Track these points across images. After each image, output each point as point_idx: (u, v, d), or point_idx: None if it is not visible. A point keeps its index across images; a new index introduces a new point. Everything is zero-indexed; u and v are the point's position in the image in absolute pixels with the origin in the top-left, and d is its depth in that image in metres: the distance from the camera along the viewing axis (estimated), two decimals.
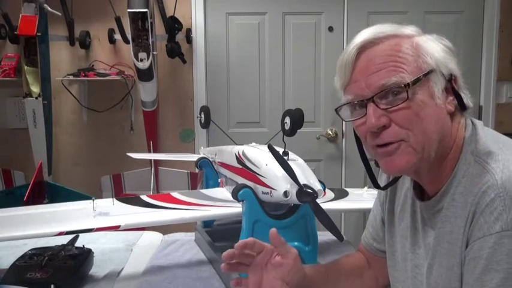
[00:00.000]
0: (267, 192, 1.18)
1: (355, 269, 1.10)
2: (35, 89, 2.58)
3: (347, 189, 1.69)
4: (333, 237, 1.19)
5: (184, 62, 2.94)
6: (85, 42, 2.96)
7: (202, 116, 1.82)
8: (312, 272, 1.00)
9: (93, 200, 1.31)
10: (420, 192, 0.91)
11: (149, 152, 2.94)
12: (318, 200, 1.13)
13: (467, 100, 0.84)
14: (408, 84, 0.77)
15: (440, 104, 0.80)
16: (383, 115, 0.79)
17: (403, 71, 0.78)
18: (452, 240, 0.80)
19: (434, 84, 0.79)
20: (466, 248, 0.77)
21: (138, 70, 2.63)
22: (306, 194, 1.12)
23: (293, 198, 1.13)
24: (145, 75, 2.64)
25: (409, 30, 0.84)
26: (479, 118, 2.89)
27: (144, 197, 1.41)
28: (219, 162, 1.57)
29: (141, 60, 2.57)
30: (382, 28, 0.83)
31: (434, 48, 0.81)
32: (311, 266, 1.05)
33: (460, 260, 0.78)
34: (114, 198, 1.37)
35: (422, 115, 0.78)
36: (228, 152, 1.48)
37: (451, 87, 0.82)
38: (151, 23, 2.52)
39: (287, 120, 1.29)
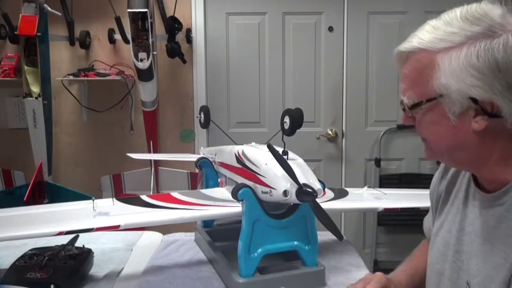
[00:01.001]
0: (267, 192, 1.18)
1: None
2: (35, 89, 2.58)
3: (347, 189, 1.68)
4: (332, 237, 1.20)
5: (184, 62, 2.94)
6: (85, 42, 2.96)
7: (202, 116, 1.81)
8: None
9: (93, 200, 1.31)
10: (476, 180, 0.91)
11: (149, 152, 2.94)
12: (317, 200, 1.13)
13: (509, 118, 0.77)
14: (409, 107, 0.83)
15: (456, 125, 0.79)
16: (410, 117, 0.86)
17: (413, 94, 0.82)
18: (510, 243, 0.78)
19: (447, 107, 0.78)
20: None
21: (138, 70, 2.63)
22: (305, 193, 1.12)
23: (293, 197, 1.13)
24: (145, 75, 2.64)
25: (447, 40, 0.78)
26: None
27: (144, 197, 1.40)
28: (218, 162, 1.57)
29: (141, 60, 2.57)
30: (425, 35, 0.80)
31: (455, 73, 0.76)
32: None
33: (511, 264, 0.77)
34: (114, 198, 1.37)
35: (431, 130, 0.84)
36: (228, 152, 1.48)
37: (480, 109, 0.76)
38: (151, 23, 2.52)
39: (286, 119, 1.29)
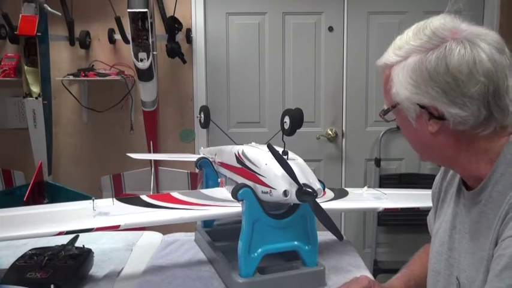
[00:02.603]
0: (267, 192, 1.18)
1: None
2: (35, 89, 2.58)
3: (347, 189, 1.68)
4: (332, 237, 1.20)
5: (184, 62, 2.94)
6: (85, 42, 2.96)
7: (202, 116, 1.82)
8: None
9: (93, 200, 1.31)
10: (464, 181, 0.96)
11: (149, 152, 2.93)
12: (317, 200, 1.13)
13: (456, 121, 0.82)
14: (382, 113, 0.94)
15: (417, 127, 0.88)
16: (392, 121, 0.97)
17: (386, 101, 0.93)
18: (488, 236, 0.83)
19: (406, 112, 0.88)
20: (496, 245, 0.80)
21: (138, 70, 2.63)
22: (305, 193, 1.12)
23: (293, 197, 1.13)
24: (145, 75, 2.64)
25: (399, 55, 0.86)
26: None
27: (144, 197, 1.40)
28: (218, 162, 1.57)
29: (141, 60, 2.57)
30: (389, 51, 0.90)
31: (401, 83, 0.86)
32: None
33: (488, 255, 0.82)
34: (114, 198, 1.37)
35: (404, 132, 0.94)
36: (228, 152, 1.48)
37: (429, 113, 0.85)
38: (151, 23, 2.52)
39: (286, 119, 1.29)
